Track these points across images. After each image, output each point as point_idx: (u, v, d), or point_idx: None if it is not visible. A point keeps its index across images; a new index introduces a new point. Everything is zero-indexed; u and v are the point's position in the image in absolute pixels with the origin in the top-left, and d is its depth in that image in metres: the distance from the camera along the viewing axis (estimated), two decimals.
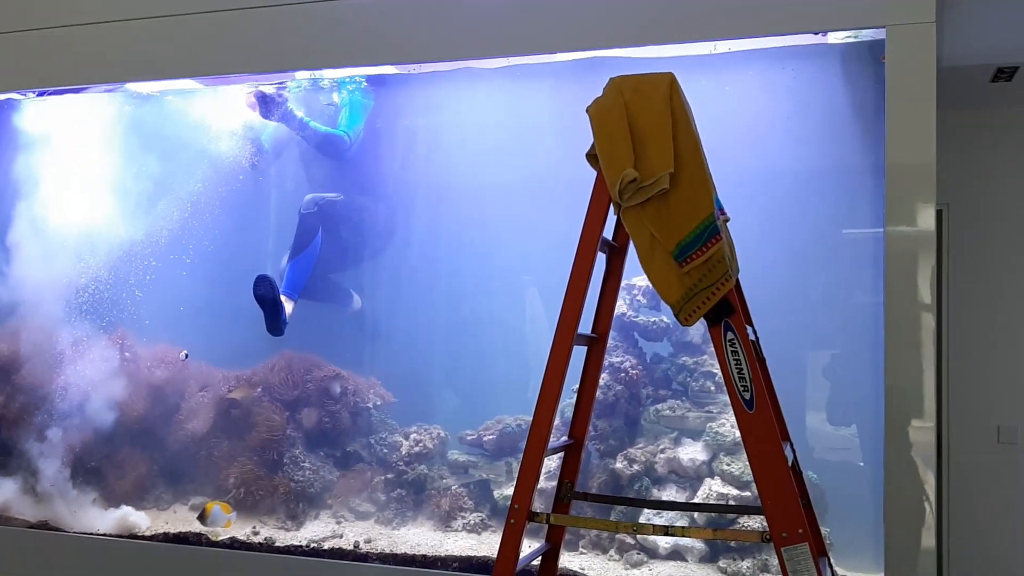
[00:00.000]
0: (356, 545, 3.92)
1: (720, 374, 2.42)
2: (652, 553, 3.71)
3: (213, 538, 4.01)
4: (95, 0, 4.12)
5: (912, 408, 3.03)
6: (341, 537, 4.03)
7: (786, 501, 2.16)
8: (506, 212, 4.37)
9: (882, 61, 3.16)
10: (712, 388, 3.88)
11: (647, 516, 3.69)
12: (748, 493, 3.62)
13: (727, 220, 2.55)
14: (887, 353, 3.06)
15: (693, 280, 2.26)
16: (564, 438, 2.71)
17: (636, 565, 3.65)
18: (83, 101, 4.67)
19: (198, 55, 3.98)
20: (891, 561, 3.03)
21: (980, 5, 3.64)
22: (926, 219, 3.05)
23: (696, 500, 3.68)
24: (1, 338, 4.67)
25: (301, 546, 3.95)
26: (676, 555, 3.69)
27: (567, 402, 3.31)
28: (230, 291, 4.50)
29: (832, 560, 3.14)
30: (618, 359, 4.00)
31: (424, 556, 3.76)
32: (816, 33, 3.38)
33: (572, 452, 2.69)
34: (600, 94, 2.42)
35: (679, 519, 3.67)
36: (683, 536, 2.97)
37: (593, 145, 2.40)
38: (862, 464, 3.71)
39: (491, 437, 4.21)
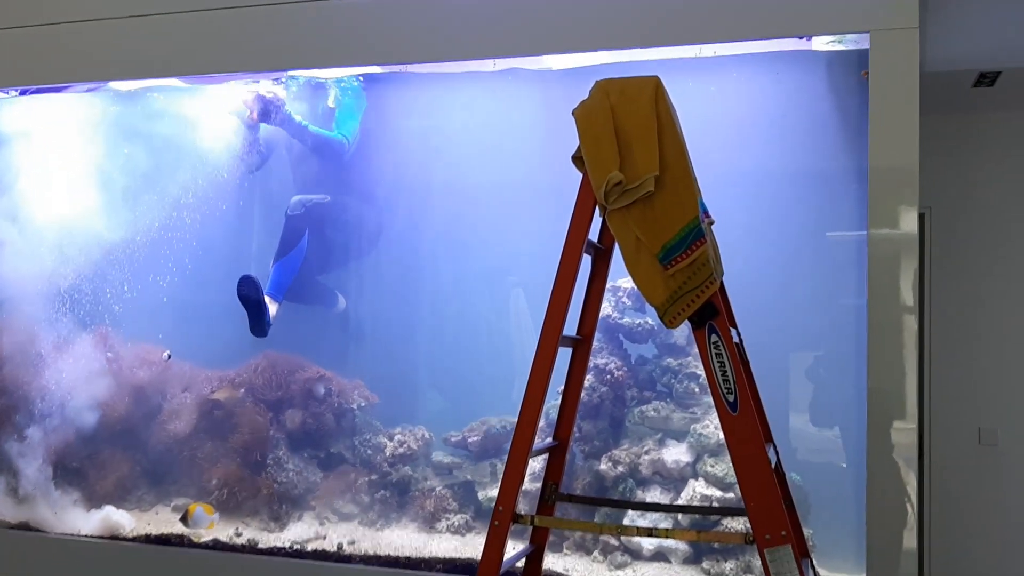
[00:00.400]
0: (339, 547, 3.91)
1: (704, 376, 2.43)
2: (636, 554, 3.72)
3: (196, 539, 3.99)
4: None
5: (894, 410, 3.05)
6: (324, 538, 4.02)
7: (769, 503, 2.17)
8: (492, 214, 4.37)
9: (863, 78, 3.18)
10: (696, 390, 3.89)
11: (631, 518, 3.69)
12: (732, 495, 3.63)
13: (711, 223, 2.56)
14: (870, 355, 3.08)
15: (678, 283, 2.27)
16: (549, 439, 2.71)
17: (620, 567, 3.65)
18: (65, 99, 4.63)
19: (185, 54, 3.95)
20: (873, 562, 3.05)
21: (963, 11, 3.67)
22: (909, 222, 3.07)
23: (680, 502, 3.69)
24: None
25: (284, 547, 3.93)
26: (660, 556, 3.70)
27: (552, 404, 3.31)
28: (214, 291, 4.48)
29: (815, 561, 3.15)
30: (603, 361, 4.01)
31: (408, 558, 3.76)
32: (801, 38, 3.40)
33: (557, 454, 2.69)
34: (586, 97, 2.42)
35: (663, 521, 3.68)
36: (667, 538, 2.98)
37: (579, 147, 2.40)
38: (845, 466, 3.73)
39: (476, 438, 4.21)
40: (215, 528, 4.06)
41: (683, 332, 3.95)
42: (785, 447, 3.49)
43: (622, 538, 3.73)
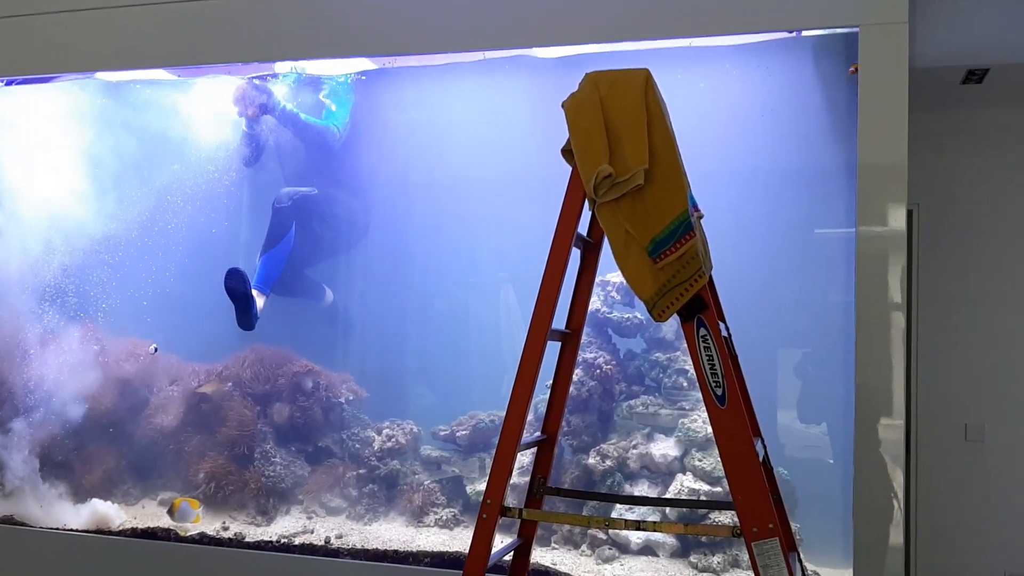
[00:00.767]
0: (327, 540, 3.90)
1: (693, 370, 2.43)
2: (624, 548, 3.73)
3: (182, 533, 3.97)
4: None
5: (882, 406, 3.06)
6: (312, 533, 4.01)
7: (757, 497, 2.17)
8: (481, 207, 4.36)
9: (852, 74, 3.19)
10: (685, 384, 3.89)
11: (619, 511, 3.69)
12: (719, 488, 3.64)
13: (701, 217, 2.56)
14: (857, 351, 3.09)
15: (667, 276, 2.26)
16: (537, 434, 2.71)
17: (608, 560, 3.65)
18: (53, 90, 4.59)
19: (173, 45, 3.92)
20: (860, 557, 3.06)
21: (952, 7, 3.68)
22: (897, 219, 3.08)
23: (668, 495, 3.70)
24: None
25: (272, 542, 3.92)
26: (648, 550, 3.71)
27: (540, 398, 3.31)
28: (201, 283, 4.45)
29: (802, 555, 3.16)
30: (592, 355, 4.01)
31: (396, 551, 3.75)
32: (790, 32, 3.41)
33: (545, 448, 2.69)
34: (576, 89, 2.41)
35: (651, 514, 3.68)
36: (655, 531, 2.98)
37: (568, 140, 2.40)
38: (832, 461, 3.75)
39: (464, 433, 4.21)
40: (201, 522, 4.04)
41: (672, 327, 3.95)
42: (773, 442, 3.50)
43: (610, 532, 3.73)
